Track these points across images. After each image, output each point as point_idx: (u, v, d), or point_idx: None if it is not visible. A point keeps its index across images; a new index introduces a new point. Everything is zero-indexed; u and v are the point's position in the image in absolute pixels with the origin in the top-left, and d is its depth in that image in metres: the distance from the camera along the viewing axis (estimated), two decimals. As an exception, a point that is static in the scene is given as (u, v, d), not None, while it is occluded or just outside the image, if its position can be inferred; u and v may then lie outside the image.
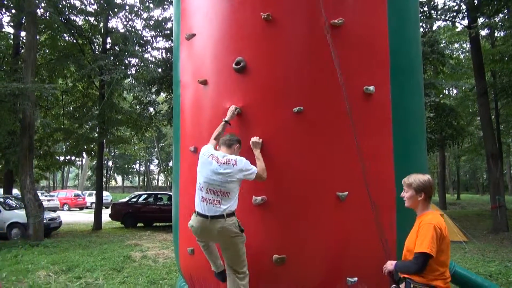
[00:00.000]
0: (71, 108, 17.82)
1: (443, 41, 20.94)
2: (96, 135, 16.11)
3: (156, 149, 46.56)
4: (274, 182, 3.41)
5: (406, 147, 3.80)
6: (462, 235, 11.60)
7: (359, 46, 3.56)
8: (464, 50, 25.49)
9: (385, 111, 3.63)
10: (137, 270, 7.87)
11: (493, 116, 17.18)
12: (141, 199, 17.51)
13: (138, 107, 17.18)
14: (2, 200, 13.43)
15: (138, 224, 16.70)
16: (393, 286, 2.92)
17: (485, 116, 14.46)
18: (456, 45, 25.04)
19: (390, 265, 2.88)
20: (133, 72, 16.22)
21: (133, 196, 18.74)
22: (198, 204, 3.20)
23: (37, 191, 12.74)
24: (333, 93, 3.43)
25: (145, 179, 60.69)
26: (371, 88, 3.51)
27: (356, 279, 3.43)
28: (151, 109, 17.32)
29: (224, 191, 3.12)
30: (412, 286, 2.71)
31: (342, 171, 3.43)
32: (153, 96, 17.39)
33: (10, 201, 13.98)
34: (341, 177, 3.42)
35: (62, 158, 18.85)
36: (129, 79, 16.64)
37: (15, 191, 18.75)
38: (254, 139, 3.42)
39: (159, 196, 17.68)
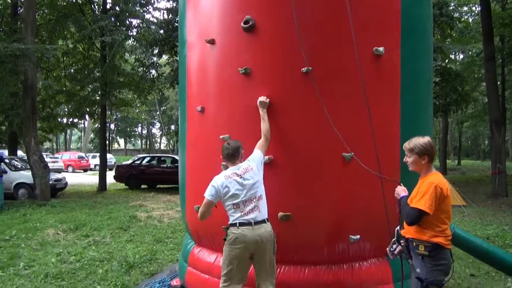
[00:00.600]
0: (72, 70, 17.65)
1: (452, 4, 20.33)
2: (98, 97, 16.04)
3: (158, 112, 46.50)
4: (281, 142, 3.43)
5: (413, 111, 3.78)
6: (462, 200, 11.78)
7: (370, 5, 3.48)
8: (473, 13, 24.79)
9: (394, 74, 3.59)
10: (143, 229, 8.10)
11: (498, 82, 16.98)
12: (144, 161, 17.69)
13: (140, 70, 17.00)
14: (8, 161, 13.59)
15: (142, 186, 16.98)
16: (395, 247, 2.98)
17: (491, 82, 14.30)
18: (465, 8, 24.32)
19: (397, 195, 2.99)
20: (135, 33, 15.92)
21: (136, 158, 18.93)
22: (238, 217, 3.11)
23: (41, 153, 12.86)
24: (342, 54, 3.38)
25: (148, 142, 61.06)
26: (381, 49, 3.46)
27: (358, 237, 3.52)
28: (154, 72, 17.14)
29: (258, 196, 3.14)
30: (414, 244, 2.79)
31: (349, 132, 3.44)
32: (155, 58, 17.16)
33: (16, 162, 14.16)
34: (348, 139, 3.43)
35: (65, 120, 18.89)
36: (130, 41, 16.37)
37: (20, 153, 18.92)
38: (261, 98, 3.41)
39: (162, 158, 17.84)
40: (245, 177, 3.15)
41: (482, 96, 25.46)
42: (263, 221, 3.11)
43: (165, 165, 17.06)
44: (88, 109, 16.58)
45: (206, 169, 3.90)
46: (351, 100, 3.45)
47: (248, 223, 3.08)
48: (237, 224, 3.10)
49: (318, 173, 3.44)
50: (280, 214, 3.45)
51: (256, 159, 3.26)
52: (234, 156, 3.26)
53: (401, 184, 3.11)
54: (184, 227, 4.80)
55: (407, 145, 2.91)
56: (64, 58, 17.00)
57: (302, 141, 3.45)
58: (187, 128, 4.25)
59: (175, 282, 4.67)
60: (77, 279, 4.85)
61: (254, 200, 3.12)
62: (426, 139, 2.86)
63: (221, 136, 3.67)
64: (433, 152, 2.85)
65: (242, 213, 3.11)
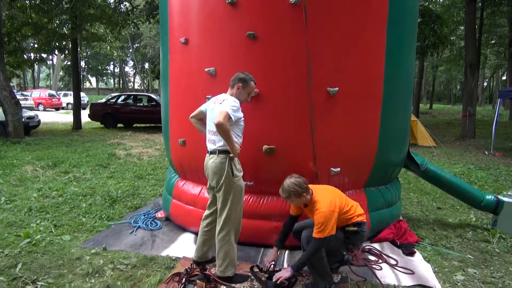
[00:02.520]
0: (37, 1, 16.42)
1: None
2: (66, 31, 15.13)
3: (131, 50, 44.60)
4: (266, 76, 3.41)
5: (398, 45, 3.79)
6: (432, 141, 12.30)
7: None
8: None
9: (382, 7, 3.55)
10: (122, 166, 8.12)
11: (476, 26, 17.02)
12: (120, 99, 17.28)
13: (112, 1, 15.99)
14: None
15: (118, 125, 16.74)
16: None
17: (470, 25, 14.32)
18: None
19: (286, 277, 2.93)
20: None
21: (111, 97, 18.44)
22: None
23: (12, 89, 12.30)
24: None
25: (121, 81, 59.24)
26: (370, -19, 3.39)
27: (339, 169, 3.67)
28: (127, 4, 16.16)
29: (215, 131, 2.99)
30: (346, 228, 3.04)
31: (334, 66, 3.45)
32: (128, -11, 16.16)
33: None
34: (332, 72, 3.46)
35: (32, 55, 17.91)
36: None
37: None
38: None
39: (138, 97, 17.44)
40: (215, 107, 3.09)
41: (459, 40, 25.60)
42: (214, 152, 3.08)
43: (141, 104, 16.74)
44: (57, 44, 15.70)
45: (189, 103, 3.88)
46: (338, 32, 3.42)
47: (207, 152, 3.18)
48: None
49: (302, 106, 3.47)
50: (265, 147, 3.53)
51: (227, 104, 2.97)
52: (229, 84, 3.16)
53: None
54: (168, 161, 4.85)
55: (283, 195, 3.01)
56: (28, -13, 15.71)
57: (287, 73, 3.43)
58: (169, 61, 4.14)
59: (160, 214, 4.80)
60: (61, 212, 4.91)
61: (213, 132, 3.09)
62: (292, 179, 2.97)
63: (206, 69, 3.62)
64: (305, 185, 2.98)
65: (207, 137, 3.20)
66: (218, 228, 3.12)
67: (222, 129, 2.85)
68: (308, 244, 2.96)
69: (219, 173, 3.04)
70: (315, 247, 2.85)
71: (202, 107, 3.35)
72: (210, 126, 3.16)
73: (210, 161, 3.10)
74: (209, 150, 3.15)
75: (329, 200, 2.94)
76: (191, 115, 3.42)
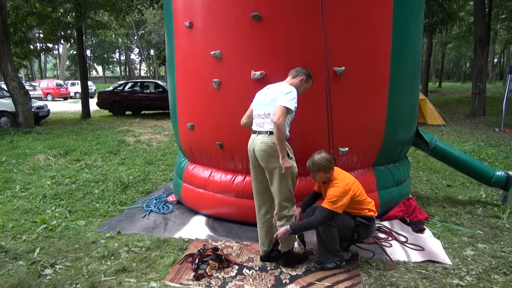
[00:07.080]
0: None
1: None
2: (71, 19, 15.07)
3: (135, 37, 44.39)
4: (274, 57, 3.40)
5: (405, 22, 3.74)
6: (441, 119, 12.19)
7: None
8: None
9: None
10: (132, 153, 8.21)
11: (485, 0, 16.61)
12: (127, 87, 17.33)
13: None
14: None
15: (127, 112, 16.84)
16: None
17: (479, -1, 14.01)
18: None
19: (282, 233, 2.96)
20: None
21: (117, 85, 18.49)
22: (253, 124, 3.14)
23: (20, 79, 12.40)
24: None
25: (127, 69, 59.26)
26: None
27: (347, 149, 3.69)
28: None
29: (267, 113, 2.96)
30: (357, 218, 3.10)
31: (340, 45, 3.43)
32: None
33: (-6, 91, 13.68)
34: (339, 51, 3.43)
35: (39, 45, 17.95)
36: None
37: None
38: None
39: (145, 84, 17.47)
40: (269, 91, 3.05)
41: (468, 15, 25.02)
42: (265, 132, 2.95)
43: (148, 91, 16.79)
44: (62, 33, 15.71)
45: (196, 87, 3.90)
46: (345, 11, 3.38)
47: (254, 132, 3.10)
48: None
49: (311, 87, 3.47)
50: (273, 129, 3.53)
51: (288, 92, 2.91)
52: (291, 74, 3.14)
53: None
54: (178, 146, 4.90)
55: (311, 167, 3.02)
56: (31, -24, 15.63)
57: (295, 54, 3.41)
58: (175, 46, 4.13)
59: (171, 198, 4.88)
60: (75, 198, 5.01)
61: (263, 115, 3.02)
62: (322, 154, 3.02)
63: (212, 52, 3.61)
64: (333, 162, 3.05)
65: (255, 122, 3.11)
66: (277, 209, 3.05)
67: (278, 130, 2.77)
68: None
69: (272, 154, 2.89)
70: (321, 216, 2.89)
71: (251, 106, 3.23)
72: (261, 110, 3.04)
73: (259, 141, 2.95)
74: (259, 130, 3.01)
75: (347, 182, 3.00)
76: (244, 121, 3.27)
